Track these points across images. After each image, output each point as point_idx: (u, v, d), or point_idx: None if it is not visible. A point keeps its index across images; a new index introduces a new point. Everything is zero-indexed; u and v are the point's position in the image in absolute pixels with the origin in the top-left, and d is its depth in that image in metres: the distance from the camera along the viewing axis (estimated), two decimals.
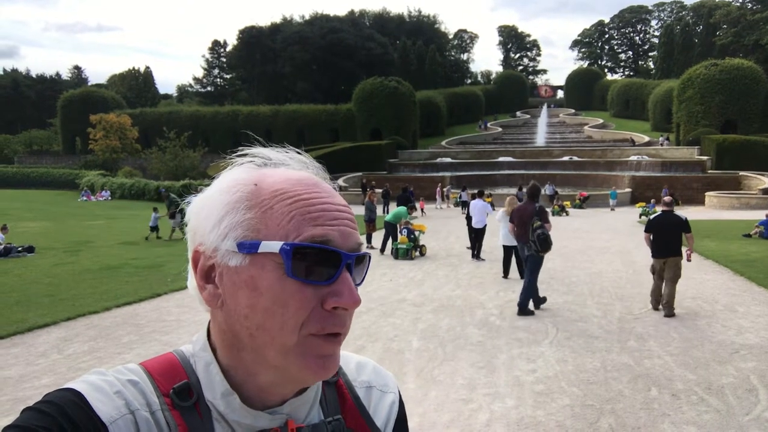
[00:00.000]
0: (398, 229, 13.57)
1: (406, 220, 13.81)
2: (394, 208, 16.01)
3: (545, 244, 7.45)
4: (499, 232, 10.62)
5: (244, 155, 0.72)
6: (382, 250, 13.69)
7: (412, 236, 13.28)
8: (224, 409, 0.66)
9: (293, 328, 0.62)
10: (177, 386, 0.67)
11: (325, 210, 0.65)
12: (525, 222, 7.88)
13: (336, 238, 0.64)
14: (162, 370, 0.69)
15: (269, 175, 0.68)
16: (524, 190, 26.96)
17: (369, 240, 14.79)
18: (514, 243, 9.59)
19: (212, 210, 0.67)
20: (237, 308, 0.65)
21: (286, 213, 0.64)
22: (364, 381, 0.83)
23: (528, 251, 7.81)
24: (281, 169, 0.70)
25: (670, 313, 7.35)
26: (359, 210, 15.57)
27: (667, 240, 7.60)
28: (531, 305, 7.72)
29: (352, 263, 0.65)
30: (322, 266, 0.63)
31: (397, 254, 13.04)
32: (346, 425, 0.75)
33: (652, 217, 8.27)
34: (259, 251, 0.63)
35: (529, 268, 7.70)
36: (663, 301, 7.49)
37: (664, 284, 7.58)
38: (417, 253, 13.25)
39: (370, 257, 0.71)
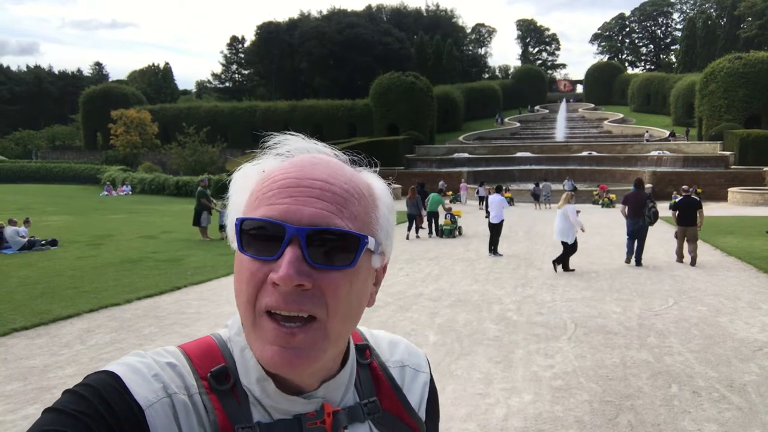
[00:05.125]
0: (440, 215, 16.42)
1: (448, 206, 17.21)
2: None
3: (656, 217, 10.99)
4: (555, 227, 10.65)
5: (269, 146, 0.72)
6: (430, 232, 16.33)
7: (454, 219, 16.27)
8: (260, 394, 0.66)
9: (247, 304, 0.62)
10: (214, 370, 0.67)
11: (285, 186, 0.63)
12: (639, 204, 11.00)
13: (285, 213, 0.61)
14: (200, 353, 0.69)
15: (277, 164, 0.69)
16: (541, 186, 27.69)
17: (417, 230, 16.15)
18: (565, 239, 10.39)
19: (230, 201, 0.71)
20: None
21: (256, 192, 0.66)
22: (398, 360, 0.82)
23: (641, 223, 10.88)
24: (301, 156, 0.69)
25: (694, 263, 10.74)
26: None
27: (688, 214, 11.07)
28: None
29: (302, 237, 0.60)
30: (269, 241, 0.61)
31: (442, 234, 16.01)
32: (381, 407, 0.75)
33: (677, 199, 12.04)
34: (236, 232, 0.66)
35: (642, 237, 10.95)
36: (691, 254, 10.86)
37: (686, 245, 11.05)
38: (457, 233, 16.22)
39: (360, 238, 0.63)
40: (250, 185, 0.68)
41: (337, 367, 0.72)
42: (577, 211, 10.72)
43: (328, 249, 0.62)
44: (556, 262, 10.37)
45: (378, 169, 0.76)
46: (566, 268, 10.29)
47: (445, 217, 16.37)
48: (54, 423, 0.57)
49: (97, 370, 0.63)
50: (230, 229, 0.68)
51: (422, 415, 0.80)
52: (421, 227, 16.53)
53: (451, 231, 16.00)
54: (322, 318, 0.62)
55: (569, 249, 10.37)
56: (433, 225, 16.45)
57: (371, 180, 0.72)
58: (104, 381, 0.61)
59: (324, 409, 0.69)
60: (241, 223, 0.63)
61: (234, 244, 0.68)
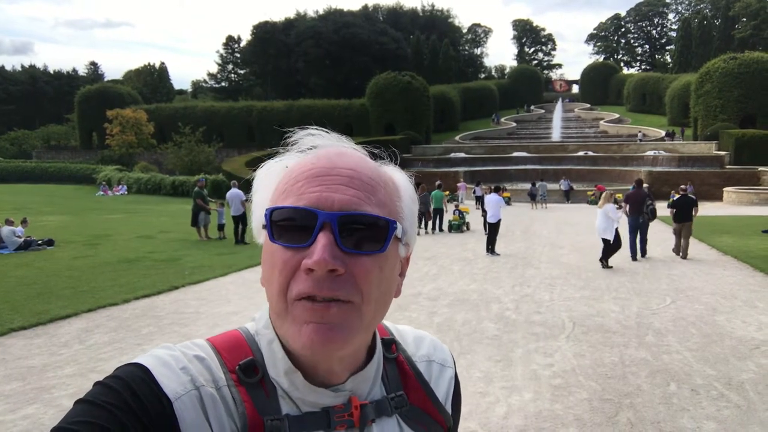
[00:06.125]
0: (444, 210, 17.88)
1: (456, 203, 20.03)
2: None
3: (655, 214, 11.89)
4: (598, 226, 10.83)
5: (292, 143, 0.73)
6: (434, 229, 17.48)
7: (462, 215, 17.93)
8: (288, 386, 0.67)
9: (280, 293, 0.62)
10: (242, 363, 0.67)
11: (314, 176, 0.64)
12: (639, 202, 11.78)
13: (317, 200, 0.62)
14: (228, 347, 0.69)
15: (303, 157, 0.70)
16: (537, 185, 27.76)
17: (425, 225, 17.44)
18: (608, 237, 10.67)
19: (255, 196, 0.71)
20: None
21: (283, 183, 0.66)
22: (424, 355, 0.83)
23: (641, 220, 11.68)
24: (326, 149, 0.70)
25: (685, 256, 11.64)
26: None
27: (684, 212, 11.95)
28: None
29: (334, 223, 0.61)
30: (300, 228, 0.62)
31: (450, 228, 17.46)
32: (408, 401, 0.76)
33: (675, 198, 13.19)
34: (262, 224, 0.66)
35: (643, 232, 11.81)
36: (682, 249, 11.73)
37: (682, 240, 11.79)
38: (465, 228, 17.64)
39: (390, 223, 0.64)
40: (275, 181, 0.69)
41: (364, 359, 0.72)
42: (618, 208, 11.25)
43: (360, 234, 0.62)
44: (603, 260, 10.68)
45: (398, 163, 0.77)
46: (605, 265, 10.58)
47: (454, 213, 17.97)
48: (85, 414, 0.58)
49: (127, 363, 0.64)
50: (256, 223, 0.69)
51: (448, 409, 0.81)
52: (419, 227, 17.04)
53: (459, 226, 17.52)
54: (357, 302, 0.62)
55: (611, 246, 10.66)
56: (438, 221, 17.65)
57: (393, 172, 0.74)
58: (134, 373, 0.61)
59: (351, 402, 0.69)
60: (271, 213, 0.64)
61: (260, 238, 0.68)
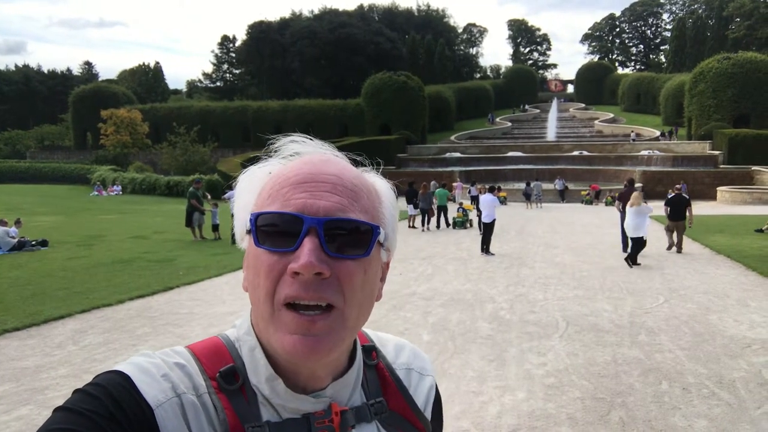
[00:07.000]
0: (447, 207, 18.73)
1: (459, 201, 21.35)
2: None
3: (649, 210, 11.86)
4: (629, 224, 11.06)
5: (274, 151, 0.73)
6: (438, 225, 18.37)
7: (465, 212, 18.83)
8: (269, 393, 0.67)
9: (266, 298, 0.63)
10: (223, 370, 0.67)
11: (299, 182, 0.65)
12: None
13: (302, 206, 0.63)
14: (208, 354, 0.69)
15: (287, 163, 0.71)
16: (532, 185, 27.86)
17: (427, 223, 18.06)
18: (641, 234, 10.91)
19: (238, 201, 0.72)
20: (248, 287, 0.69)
21: (268, 190, 0.67)
22: (403, 363, 0.84)
23: None
24: (310, 156, 0.71)
25: (680, 250, 12.28)
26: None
27: (678, 210, 12.44)
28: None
29: (319, 228, 0.62)
30: (286, 233, 0.63)
31: (454, 225, 18.43)
32: (388, 407, 0.76)
33: (669, 197, 13.12)
34: (246, 229, 0.67)
35: None
36: (676, 244, 12.38)
37: (675, 236, 12.43)
38: (468, 225, 18.40)
39: (373, 228, 0.66)
40: (258, 185, 0.70)
41: (346, 365, 0.73)
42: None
43: (344, 239, 0.64)
44: (629, 259, 10.80)
45: (382, 168, 0.79)
46: (634, 263, 10.72)
47: (458, 211, 19.03)
48: (65, 422, 0.57)
49: (107, 370, 0.63)
50: (239, 227, 0.70)
51: (428, 416, 0.82)
52: (412, 226, 18.08)
53: (463, 223, 18.50)
54: (340, 306, 0.63)
55: (642, 244, 10.95)
56: (442, 218, 18.60)
57: (374, 179, 0.75)
58: (114, 380, 0.61)
59: (332, 408, 0.69)
60: (256, 218, 0.64)
61: (243, 242, 0.69)
